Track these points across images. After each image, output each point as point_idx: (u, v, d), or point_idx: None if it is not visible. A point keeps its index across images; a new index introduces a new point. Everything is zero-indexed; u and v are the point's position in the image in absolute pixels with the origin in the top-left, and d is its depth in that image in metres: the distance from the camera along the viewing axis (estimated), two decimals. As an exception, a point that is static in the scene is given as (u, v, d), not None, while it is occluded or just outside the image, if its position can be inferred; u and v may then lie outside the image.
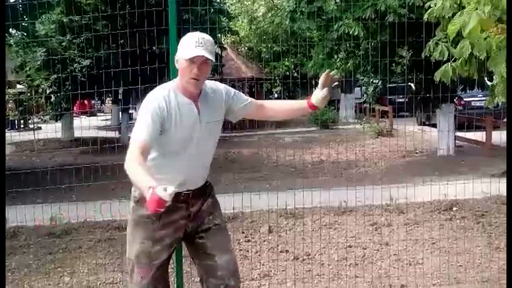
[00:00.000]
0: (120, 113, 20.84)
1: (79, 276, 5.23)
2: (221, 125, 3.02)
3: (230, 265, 2.99)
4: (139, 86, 5.55)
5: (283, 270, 5.15)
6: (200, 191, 2.97)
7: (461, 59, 3.79)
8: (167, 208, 2.51)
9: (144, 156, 2.62)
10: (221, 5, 20.79)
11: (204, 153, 2.92)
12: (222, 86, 3.03)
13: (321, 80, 3.02)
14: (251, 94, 26.03)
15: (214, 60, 2.77)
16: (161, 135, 2.73)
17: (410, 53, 11.53)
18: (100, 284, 5.03)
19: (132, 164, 2.55)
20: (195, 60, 2.72)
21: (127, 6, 13.11)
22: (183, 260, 3.71)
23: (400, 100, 21.04)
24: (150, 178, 2.47)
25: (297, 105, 3.29)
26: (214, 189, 3.13)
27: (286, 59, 23.61)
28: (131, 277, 2.96)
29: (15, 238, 6.56)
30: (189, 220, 2.94)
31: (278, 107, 3.31)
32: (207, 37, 2.78)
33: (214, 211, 3.05)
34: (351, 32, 11.24)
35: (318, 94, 3.03)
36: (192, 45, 2.71)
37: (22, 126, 22.07)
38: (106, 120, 23.54)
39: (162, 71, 5.33)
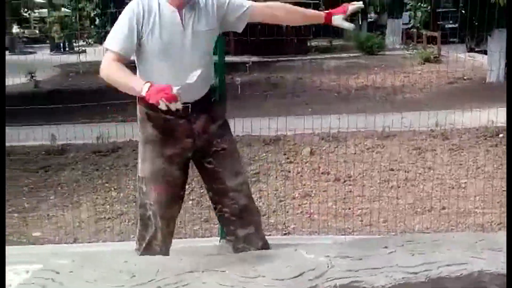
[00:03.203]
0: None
1: (126, 191, 5.40)
2: (213, 34, 2.75)
3: (243, 186, 2.88)
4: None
5: (324, 191, 5.19)
6: (200, 106, 2.73)
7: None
8: (167, 125, 2.62)
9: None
10: None
11: (193, 65, 2.64)
12: None
13: (352, 9, 2.80)
14: None
15: None
16: (140, 46, 2.58)
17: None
18: (145, 199, 5.18)
19: (111, 70, 2.46)
20: None
21: None
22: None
23: (450, 25, 20.30)
24: (140, 79, 2.45)
25: (312, 13, 3.02)
26: (225, 112, 2.94)
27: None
28: (145, 195, 2.84)
29: (63, 154, 6.77)
30: (195, 139, 2.76)
31: (291, 8, 2.88)
32: None
33: (223, 134, 2.86)
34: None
35: (344, 23, 2.80)
36: None
37: (67, 49, 22.28)
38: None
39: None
